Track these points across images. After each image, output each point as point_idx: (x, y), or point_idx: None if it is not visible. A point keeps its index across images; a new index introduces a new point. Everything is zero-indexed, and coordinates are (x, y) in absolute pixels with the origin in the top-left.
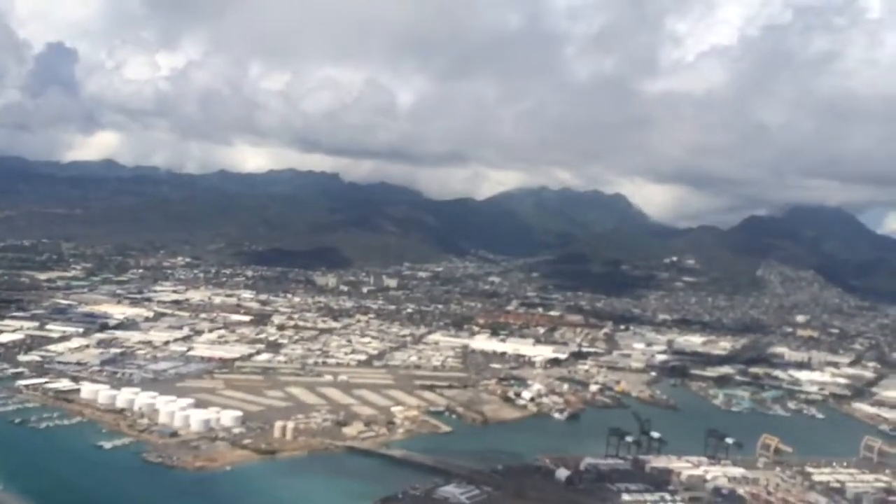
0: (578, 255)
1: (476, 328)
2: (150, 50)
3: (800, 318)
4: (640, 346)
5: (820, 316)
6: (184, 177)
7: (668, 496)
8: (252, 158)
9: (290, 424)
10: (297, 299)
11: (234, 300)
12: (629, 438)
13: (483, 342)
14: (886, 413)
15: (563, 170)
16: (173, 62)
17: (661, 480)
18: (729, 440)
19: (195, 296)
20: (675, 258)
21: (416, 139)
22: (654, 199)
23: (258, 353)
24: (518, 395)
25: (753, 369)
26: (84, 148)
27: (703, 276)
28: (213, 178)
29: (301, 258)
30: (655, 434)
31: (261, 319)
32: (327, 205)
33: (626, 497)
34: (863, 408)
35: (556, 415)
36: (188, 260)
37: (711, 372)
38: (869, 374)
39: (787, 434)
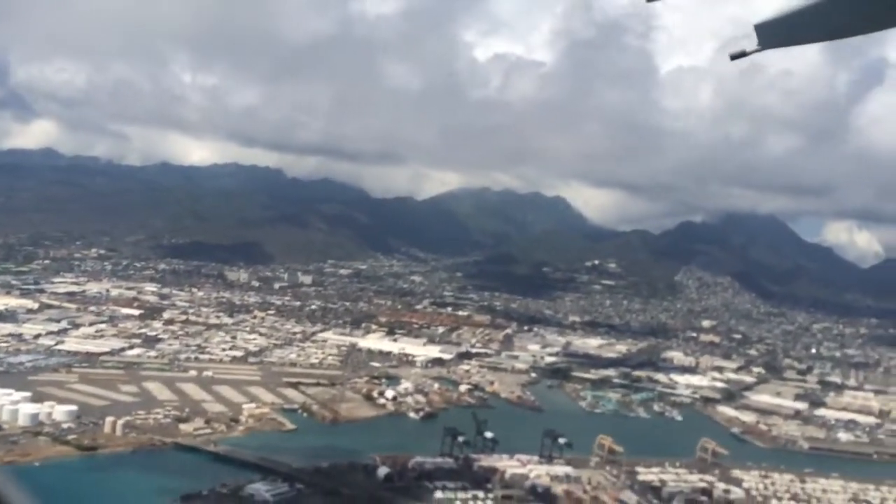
0: (507, 257)
1: (374, 327)
2: None
3: (705, 324)
4: (535, 347)
5: (727, 321)
6: (123, 168)
7: (481, 494)
8: (196, 151)
9: (121, 421)
10: (200, 294)
11: (132, 293)
12: (461, 438)
13: (373, 341)
14: (744, 416)
15: (506, 172)
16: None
17: (483, 479)
18: (562, 440)
19: (94, 288)
20: (596, 262)
21: (358, 137)
22: (593, 202)
23: (131, 347)
24: (381, 394)
25: (638, 372)
26: (22, 136)
27: (622, 280)
28: (153, 170)
29: (221, 253)
30: (489, 434)
31: (151, 314)
32: (262, 200)
33: (438, 494)
34: (725, 411)
35: (412, 414)
36: (102, 252)
37: (593, 374)
38: (750, 379)
39: (635, 435)
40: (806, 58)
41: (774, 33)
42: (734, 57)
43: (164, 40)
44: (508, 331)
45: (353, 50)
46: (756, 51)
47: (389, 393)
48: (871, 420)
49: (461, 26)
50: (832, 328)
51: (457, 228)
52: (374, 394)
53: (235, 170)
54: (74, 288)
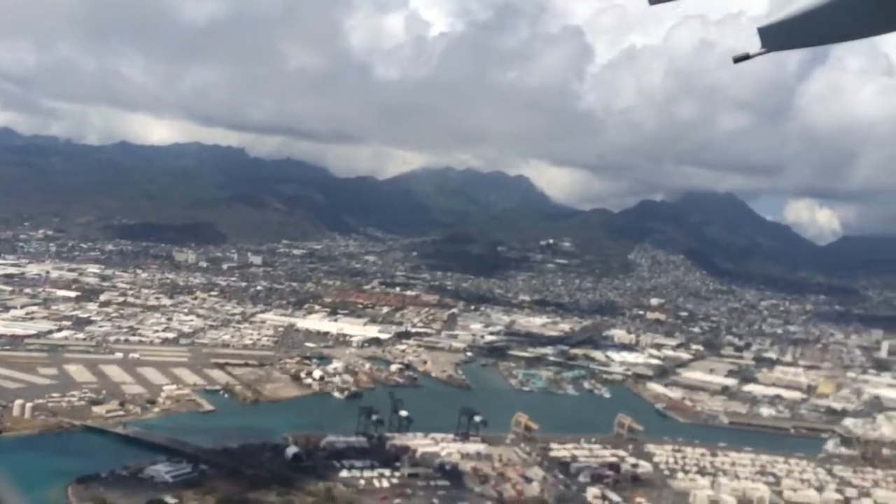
0: (464, 236)
1: (317, 307)
2: None
3: (653, 301)
4: (477, 326)
5: (675, 299)
6: (81, 147)
7: (388, 472)
8: (157, 131)
9: (31, 403)
10: (144, 275)
11: (73, 275)
12: (375, 417)
13: (313, 322)
14: (672, 393)
15: (469, 151)
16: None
17: (393, 457)
18: (477, 418)
19: (34, 270)
20: (551, 241)
21: (322, 116)
22: (557, 181)
23: (59, 329)
24: (309, 374)
25: (576, 350)
26: None
27: (575, 259)
28: (112, 149)
29: (173, 233)
30: (404, 413)
31: (88, 295)
32: (220, 180)
33: (343, 473)
34: (654, 388)
35: (337, 394)
36: (49, 233)
37: (531, 353)
38: (687, 356)
39: (559, 412)
40: (756, 37)
41: (777, 36)
42: (737, 60)
43: (113, 20)
44: (454, 310)
45: (302, 29)
46: (759, 53)
47: (317, 373)
48: (797, 395)
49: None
50: (779, 305)
51: (417, 208)
52: (302, 374)
53: (197, 149)
54: (13, 270)
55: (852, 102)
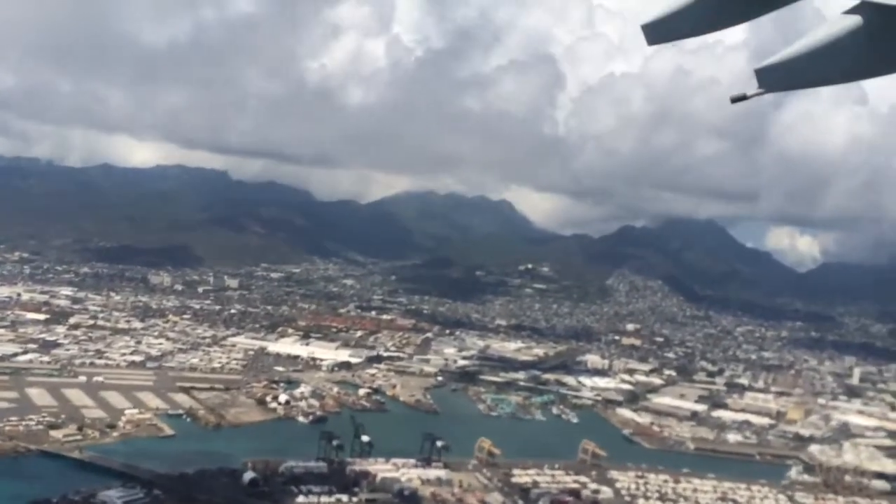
0: (444, 260)
1: (290, 331)
2: None
3: (629, 327)
4: (451, 350)
5: (652, 325)
6: (63, 169)
7: (345, 498)
8: (140, 153)
9: None
10: (116, 298)
11: (45, 297)
12: (335, 442)
13: (285, 345)
14: (641, 418)
15: (452, 175)
16: None
17: (353, 482)
18: (440, 443)
19: (5, 292)
20: (530, 265)
21: (303, 140)
22: (539, 206)
23: (25, 352)
24: (275, 398)
25: (548, 375)
26: None
27: (554, 284)
28: (94, 171)
29: (150, 256)
30: (366, 438)
31: (58, 318)
32: (201, 202)
33: (300, 499)
34: (623, 413)
35: (301, 419)
36: (25, 255)
37: (502, 377)
38: (659, 382)
39: (525, 437)
40: (730, 66)
41: (775, 78)
42: (735, 100)
43: (88, 43)
44: (429, 334)
45: (282, 53)
46: (757, 94)
47: (283, 397)
48: (766, 421)
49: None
50: (755, 331)
51: (399, 232)
52: (268, 398)
53: (179, 172)
54: None
55: (825, 130)
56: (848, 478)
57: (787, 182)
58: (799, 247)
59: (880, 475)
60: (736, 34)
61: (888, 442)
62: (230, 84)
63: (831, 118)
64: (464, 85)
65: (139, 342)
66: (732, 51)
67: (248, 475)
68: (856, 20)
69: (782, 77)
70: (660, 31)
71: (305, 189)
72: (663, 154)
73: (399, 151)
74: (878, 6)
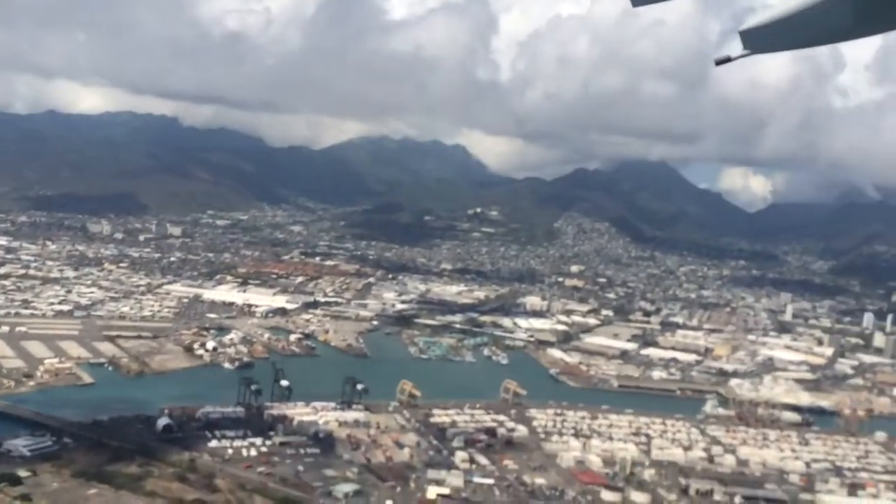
0: (394, 205)
1: (229, 278)
2: None
3: (573, 269)
4: (390, 295)
5: (596, 266)
6: (6, 116)
7: (259, 441)
8: (87, 99)
9: None
10: (52, 247)
11: None
12: (254, 387)
13: (221, 292)
14: (570, 358)
15: (407, 121)
16: None
17: (270, 426)
18: (360, 386)
19: None
20: (479, 209)
21: (259, 85)
22: (493, 150)
23: None
24: (202, 345)
25: (485, 318)
26: None
27: (502, 227)
28: (40, 118)
29: (93, 204)
30: (285, 382)
31: None
32: (148, 149)
33: (213, 443)
34: (554, 353)
35: (227, 365)
36: None
37: (438, 321)
38: (594, 322)
39: (451, 379)
40: (678, 7)
41: (759, 39)
42: (719, 62)
43: None
44: (371, 279)
45: None
46: (741, 56)
47: (210, 344)
48: (693, 358)
49: None
50: (697, 271)
51: (351, 177)
52: (195, 345)
53: (129, 118)
54: None
55: (766, 72)
56: (761, 410)
57: (729, 123)
58: (752, 187)
59: (794, 407)
60: None
61: (809, 375)
62: (173, 27)
63: (771, 60)
64: (406, 27)
65: (69, 291)
66: None
67: (162, 421)
68: None
69: (767, 38)
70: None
71: (257, 135)
72: (610, 97)
73: (341, 96)
74: None
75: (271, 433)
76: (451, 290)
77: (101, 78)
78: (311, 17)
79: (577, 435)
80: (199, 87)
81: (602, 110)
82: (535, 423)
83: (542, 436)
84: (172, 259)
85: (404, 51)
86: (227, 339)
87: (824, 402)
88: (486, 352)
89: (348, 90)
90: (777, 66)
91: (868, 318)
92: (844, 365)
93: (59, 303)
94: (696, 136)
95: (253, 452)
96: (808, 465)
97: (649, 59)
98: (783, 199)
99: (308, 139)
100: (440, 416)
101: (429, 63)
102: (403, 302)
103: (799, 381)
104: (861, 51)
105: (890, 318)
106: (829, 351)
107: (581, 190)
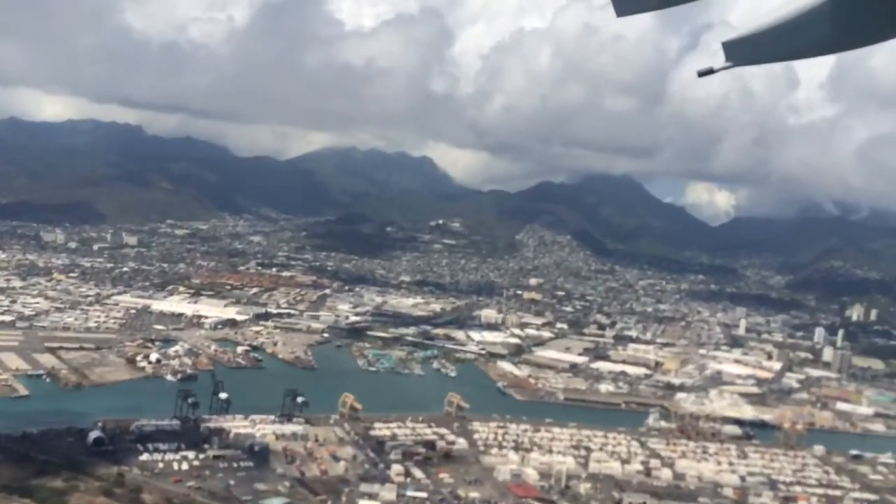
0: (358, 216)
1: (181, 288)
2: None
3: (532, 281)
4: (345, 307)
5: (555, 279)
6: None
7: (192, 454)
8: (50, 107)
9: None
10: (2, 256)
11: None
12: (191, 399)
13: (171, 303)
14: (520, 371)
15: (374, 132)
16: None
17: (205, 439)
18: (300, 399)
19: None
20: (441, 221)
21: (224, 94)
22: (459, 162)
23: None
24: (146, 357)
25: (438, 330)
26: None
27: (464, 239)
28: (1, 125)
29: (49, 213)
30: (223, 395)
31: None
32: (110, 158)
33: (144, 456)
34: (503, 366)
35: (170, 377)
36: None
37: (391, 333)
38: (548, 335)
39: (396, 391)
40: (637, 23)
41: (742, 51)
42: (701, 74)
43: None
44: (327, 291)
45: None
46: (724, 68)
47: (153, 356)
48: (642, 371)
49: None
50: (656, 284)
51: (316, 188)
52: (138, 357)
53: (92, 126)
54: None
55: (724, 88)
56: (702, 424)
57: (688, 138)
58: (716, 201)
59: (736, 421)
60: None
61: (755, 389)
62: (136, 35)
63: (730, 77)
64: (370, 39)
65: (14, 301)
66: None
67: (94, 434)
68: None
69: (749, 50)
70: (630, 2)
71: (223, 145)
72: (572, 111)
73: (304, 107)
74: None
75: (206, 446)
76: (406, 303)
77: (65, 86)
78: (275, 27)
79: (517, 448)
80: (163, 95)
81: (564, 124)
82: (476, 437)
83: (482, 449)
84: (125, 269)
85: (368, 63)
86: (171, 350)
87: (767, 415)
88: (435, 365)
89: (311, 101)
90: (736, 83)
91: (819, 333)
92: (791, 379)
93: (2, 313)
94: (654, 151)
95: (185, 466)
96: (743, 478)
97: (610, 74)
98: (746, 214)
99: (275, 149)
100: (381, 430)
101: (392, 75)
102: (358, 314)
103: (744, 394)
104: (817, 69)
105: (841, 332)
106: (777, 365)
107: (545, 203)
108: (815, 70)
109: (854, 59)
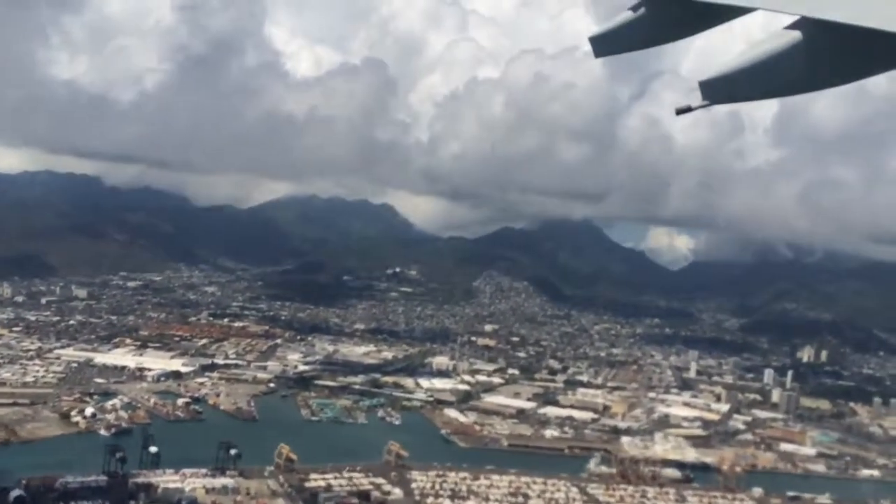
0: (315, 265)
1: (128, 341)
2: None
3: (487, 328)
4: (295, 356)
5: (510, 325)
6: None
7: None
8: (4, 158)
9: None
10: None
11: None
12: (119, 454)
13: (115, 356)
14: (466, 418)
15: (334, 180)
16: None
17: (133, 495)
18: (233, 451)
19: None
20: (398, 269)
21: (181, 145)
22: (420, 209)
23: None
24: (81, 412)
25: (388, 378)
26: None
27: (420, 287)
28: None
29: None
30: (153, 449)
31: None
32: (66, 209)
33: None
34: (450, 414)
35: (104, 432)
36: None
37: (339, 382)
38: (498, 381)
39: (337, 441)
40: (588, 71)
41: (718, 90)
42: (679, 112)
43: None
44: (278, 341)
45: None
46: (701, 106)
47: (89, 410)
48: (589, 416)
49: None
50: (611, 329)
51: (277, 237)
52: (73, 412)
53: (48, 178)
54: None
55: (668, 134)
56: (643, 468)
57: (639, 183)
58: (676, 245)
59: (678, 464)
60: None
61: (700, 432)
62: (89, 86)
63: (673, 123)
64: (324, 88)
65: None
66: (589, 56)
67: (15, 493)
68: (796, 35)
69: (725, 89)
70: (607, 44)
71: (182, 194)
72: (525, 157)
73: (259, 156)
74: (817, 22)
75: (131, 503)
76: (358, 351)
77: (19, 138)
78: (234, 76)
79: (453, 496)
80: (119, 146)
81: (518, 170)
82: (413, 486)
83: (418, 498)
84: (72, 322)
85: (325, 110)
86: (108, 404)
87: (709, 458)
88: (380, 413)
89: (268, 150)
90: (687, 127)
91: (769, 374)
92: (738, 421)
93: None
94: (607, 196)
95: None
96: None
97: (562, 121)
98: (703, 258)
99: (235, 198)
100: (316, 480)
101: (348, 123)
102: (307, 363)
103: (689, 437)
104: (762, 113)
105: (790, 373)
106: (725, 407)
107: (504, 249)
108: (760, 114)
109: (799, 103)
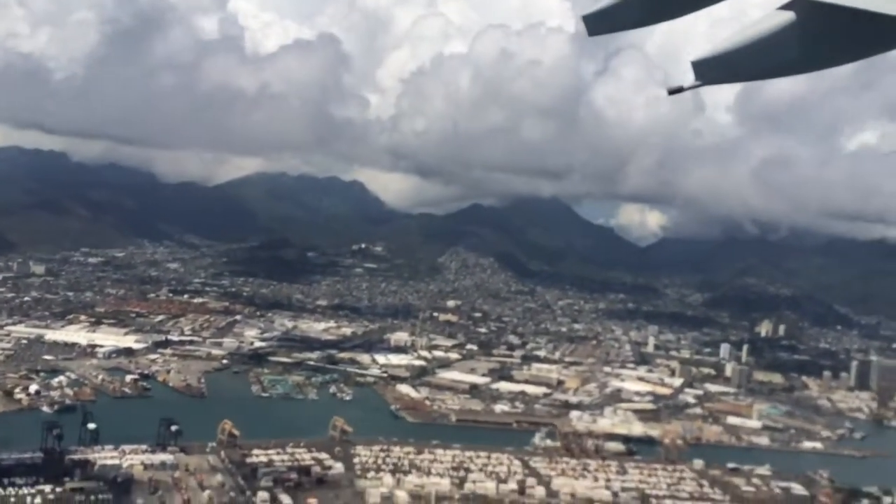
0: (281, 241)
1: (82, 317)
2: None
3: (449, 304)
4: (253, 332)
5: (474, 301)
6: None
7: (48, 487)
8: None
9: None
10: None
11: None
12: (56, 431)
13: (66, 333)
14: (417, 394)
15: (303, 157)
16: None
17: (69, 472)
18: (174, 427)
19: None
20: (363, 245)
21: (147, 121)
22: (390, 186)
23: None
24: (25, 388)
25: (344, 354)
26: None
27: (385, 263)
28: None
29: None
30: (92, 425)
31: None
32: (31, 186)
33: None
34: (401, 389)
35: (46, 409)
36: None
37: (294, 358)
38: (455, 357)
39: (282, 417)
40: (554, 49)
41: (710, 70)
42: (671, 92)
43: None
44: (237, 317)
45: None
46: (693, 86)
47: (33, 387)
48: (542, 391)
49: None
50: (574, 304)
51: (243, 214)
52: (17, 389)
53: (15, 154)
54: None
55: (632, 111)
56: (587, 441)
57: (603, 160)
58: (646, 222)
59: (624, 437)
60: (558, 17)
61: (650, 406)
62: (54, 61)
63: (633, 99)
64: (289, 63)
65: None
66: (555, 32)
67: None
68: (790, 16)
69: (718, 69)
70: (601, 23)
71: (149, 171)
72: (491, 134)
73: (224, 133)
74: (812, 3)
75: (66, 479)
76: (317, 327)
77: None
78: (196, 53)
79: (395, 471)
80: (86, 122)
81: (483, 148)
82: (356, 460)
83: (359, 473)
84: (27, 298)
85: (292, 86)
86: (54, 381)
87: (655, 431)
88: (332, 389)
89: (235, 127)
90: (651, 104)
91: (724, 349)
92: (689, 395)
93: None
94: (572, 173)
95: (38, 500)
96: (615, 493)
97: (527, 98)
98: (672, 235)
99: (202, 175)
100: (258, 456)
101: (316, 99)
102: (264, 339)
103: (639, 411)
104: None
105: (746, 348)
106: (679, 381)
107: (471, 225)
108: (722, 94)
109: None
